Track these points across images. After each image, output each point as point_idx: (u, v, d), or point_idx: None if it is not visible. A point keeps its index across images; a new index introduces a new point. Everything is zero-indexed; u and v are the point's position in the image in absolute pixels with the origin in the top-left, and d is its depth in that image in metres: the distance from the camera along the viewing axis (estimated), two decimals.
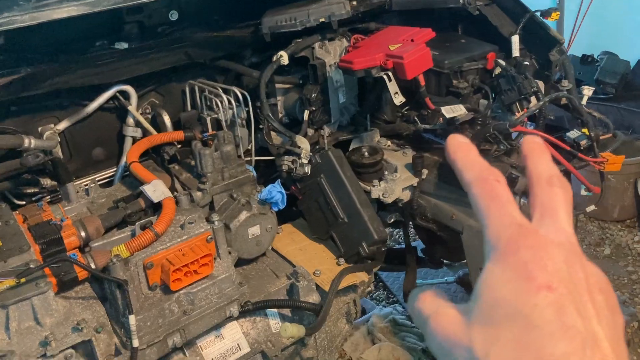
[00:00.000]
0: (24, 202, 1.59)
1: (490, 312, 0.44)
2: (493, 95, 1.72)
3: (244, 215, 1.54)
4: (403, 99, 1.57)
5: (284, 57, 1.68)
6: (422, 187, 1.82)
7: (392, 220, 1.97)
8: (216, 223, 1.38)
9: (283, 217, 1.88)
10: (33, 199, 1.61)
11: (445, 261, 3.07)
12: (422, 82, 1.58)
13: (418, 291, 0.52)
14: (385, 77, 1.54)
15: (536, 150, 0.52)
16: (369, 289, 1.89)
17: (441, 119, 1.73)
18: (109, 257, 1.25)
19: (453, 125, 1.69)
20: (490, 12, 1.82)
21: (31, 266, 1.17)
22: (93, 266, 1.27)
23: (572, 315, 0.41)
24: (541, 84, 1.75)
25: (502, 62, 1.64)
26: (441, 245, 2.29)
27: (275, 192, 1.56)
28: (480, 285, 0.45)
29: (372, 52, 1.58)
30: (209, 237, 1.37)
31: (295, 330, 1.37)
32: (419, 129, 1.85)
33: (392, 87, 1.55)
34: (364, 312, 2.92)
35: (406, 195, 1.83)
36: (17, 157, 1.50)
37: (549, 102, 1.57)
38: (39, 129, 1.66)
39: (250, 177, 1.61)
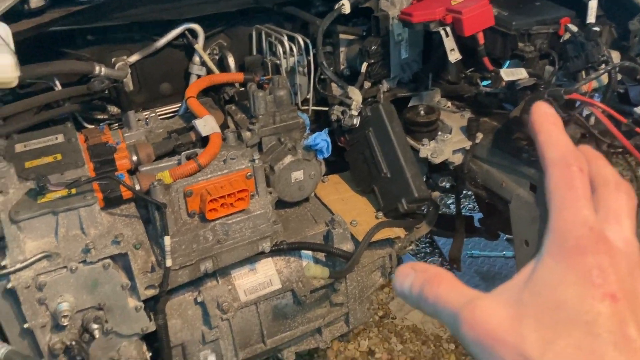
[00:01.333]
0: (92, 126, 1.71)
1: (549, 312, 0.41)
2: (561, 62, 1.63)
3: (288, 159, 1.58)
4: (459, 56, 1.53)
5: (345, 5, 1.68)
6: (475, 152, 1.77)
7: (444, 183, 1.94)
8: (257, 161, 1.44)
9: (333, 168, 1.91)
10: (101, 124, 1.73)
11: (507, 236, 3.01)
12: (481, 41, 1.53)
13: (409, 271, 0.49)
14: (442, 32, 1.50)
15: (592, 155, 0.49)
16: (410, 247, 1.90)
17: (504, 83, 1.68)
18: (153, 181, 1.34)
19: (514, 90, 1.63)
20: None
21: (82, 179, 1.28)
22: (138, 187, 1.36)
23: (633, 328, 0.40)
24: (617, 55, 1.64)
25: (572, 27, 1.55)
26: (499, 217, 2.24)
27: (320, 139, 1.58)
28: (539, 281, 0.42)
29: (434, 5, 1.54)
30: (249, 174, 1.42)
31: (319, 270, 1.41)
32: (480, 92, 1.80)
33: (449, 43, 1.51)
34: None
35: (458, 159, 1.79)
36: None
37: (618, 72, 1.47)
38: (112, 59, 1.76)
39: (299, 124, 1.64)
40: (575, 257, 0.41)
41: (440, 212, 1.97)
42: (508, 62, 1.88)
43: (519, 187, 1.67)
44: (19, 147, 1.42)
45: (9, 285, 1.19)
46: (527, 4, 1.76)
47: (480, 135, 1.75)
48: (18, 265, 1.20)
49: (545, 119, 0.49)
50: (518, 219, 1.71)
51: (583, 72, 1.53)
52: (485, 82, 1.83)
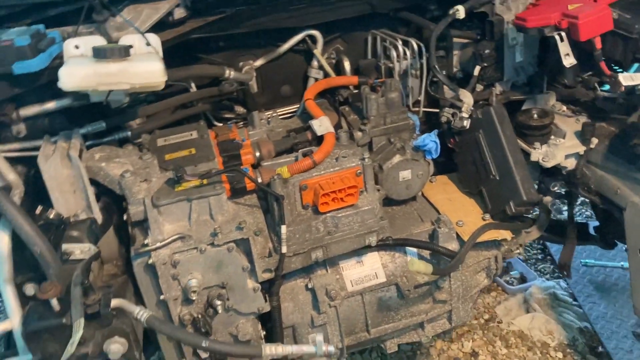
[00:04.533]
0: (221, 124, 1.89)
1: None
2: None
3: (397, 158, 1.66)
4: (574, 61, 1.53)
5: (460, 10, 1.72)
6: (590, 157, 1.75)
7: (556, 188, 1.92)
8: (366, 160, 1.53)
9: (442, 168, 1.96)
10: (228, 122, 1.91)
11: (626, 246, 2.86)
12: (598, 46, 1.51)
13: None
14: (557, 37, 1.50)
15: None
16: (518, 251, 1.90)
17: (622, 88, 1.64)
18: (273, 175, 1.48)
19: (633, 95, 1.59)
20: None
21: (212, 171, 1.44)
22: (260, 180, 1.51)
23: None
24: None
25: None
26: (615, 225, 2.16)
27: (429, 140, 1.65)
28: None
29: (549, 10, 1.54)
30: (358, 171, 1.52)
31: (422, 266, 1.48)
32: (598, 96, 1.77)
33: (564, 47, 1.51)
34: (524, 280, 2.88)
35: (571, 163, 1.77)
36: None
37: None
38: (240, 64, 1.92)
39: (409, 125, 1.71)
40: None
41: (554, 218, 1.96)
42: (636, 66, 1.82)
43: (634, 194, 1.63)
44: (160, 142, 1.62)
45: (150, 261, 1.38)
46: None
47: (595, 141, 1.72)
48: (158, 244, 1.38)
49: None
50: (633, 227, 1.66)
51: None
52: (604, 87, 1.79)
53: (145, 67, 1.22)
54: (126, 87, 1.20)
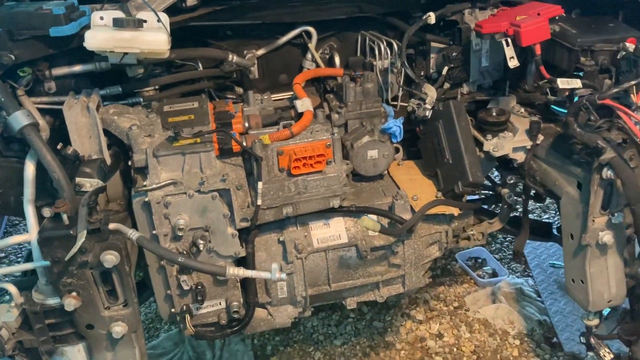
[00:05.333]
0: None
1: None
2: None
3: (365, 138, 1.93)
4: (517, 64, 1.79)
5: (431, 17, 1.99)
6: (536, 152, 2.00)
7: (512, 181, 2.16)
8: (335, 135, 1.81)
9: (414, 155, 2.23)
10: (227, 100, 2.20)
11: None
12: (538, 52, 1.77)
13: None
14: (503, 42, 1.77)
15: None
16: (472, 232, 2.16)
17: (567, 92, 1.89)
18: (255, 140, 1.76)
19: (572, 98, 1.84)
20: None
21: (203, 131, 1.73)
22: (244, 144, 1.80)
23: None
24: None
25: (629, 46, 1.73)
26: None
27: (394, 125, 1.92)
28: None
29: (501, 20, 1.81)
30: (328, 143, 1.80)
31: (371, 223, 1.74)
32: (548, 100, 2.02)
33: (509, 51, 1.77)
34: (495, 276, 3.10)
35: (520, 157, 2.02)
36: None
37: None
38: (244, 51, 2.22)
39: (381, 112, 1.99)
40: None
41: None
42: None
43: (568, 185, 1.88)
44: (166, 108, 1.92)
45: (146, 199, 1.67)
46: (600, 25, 1.95)
47: (541, 137, 1.98)
48: (154, 186, 1.67)
49: None
50: (566, 214, 1.91)
51: (634, 87, 1.71)
52: None
53: (153, 37, 1.52)
54: (136, 51, 1.50)
